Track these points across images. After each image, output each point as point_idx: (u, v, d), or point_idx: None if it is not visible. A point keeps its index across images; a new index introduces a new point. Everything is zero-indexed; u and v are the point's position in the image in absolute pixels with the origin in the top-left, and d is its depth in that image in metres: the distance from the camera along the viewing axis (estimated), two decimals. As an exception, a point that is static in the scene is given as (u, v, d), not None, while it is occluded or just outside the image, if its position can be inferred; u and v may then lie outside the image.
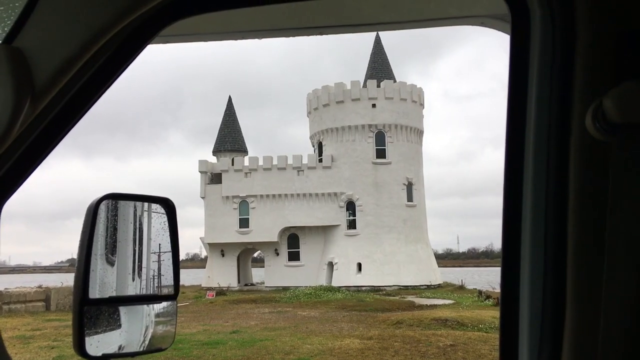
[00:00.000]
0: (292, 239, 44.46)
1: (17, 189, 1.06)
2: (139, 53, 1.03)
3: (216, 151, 49.24)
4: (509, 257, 0.89)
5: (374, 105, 43.06)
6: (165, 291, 1.40)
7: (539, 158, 0.86)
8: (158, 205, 1.39)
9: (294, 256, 44.26)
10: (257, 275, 50.84)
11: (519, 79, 0.89)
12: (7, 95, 0.90)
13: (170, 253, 1.39)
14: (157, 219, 1.39)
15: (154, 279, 1.42)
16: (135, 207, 1.37)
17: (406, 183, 43.24)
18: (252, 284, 47.55)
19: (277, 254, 44.45)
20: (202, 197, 45.68)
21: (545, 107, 0.85)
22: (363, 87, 43.74)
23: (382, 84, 43.51)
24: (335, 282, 40.00)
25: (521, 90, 0.89)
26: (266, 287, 43.63)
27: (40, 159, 1.05)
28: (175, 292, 1.38)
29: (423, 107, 46.16)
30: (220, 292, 37.46)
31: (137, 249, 1.37)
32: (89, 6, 0.93)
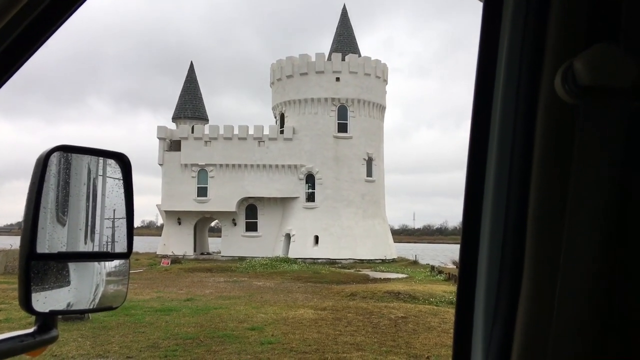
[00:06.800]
0: (251, 210, 44.34)
1: None
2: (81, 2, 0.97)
3: (176, 117, 48.26)
4: (470, 219, 0.88)
5: (337, 79, 42.90)
6: (117, 249, 1.36)
7: (506, 118, 0.85)
8: (112, 161, 1.34)
9: (251, 227, 44.21)
10: (213, 244, 50.60)
11: (490, 38, 0.88)
12: None
13: (125, 210, 1.35)
14: (111, 174, 1.34)
15: (105, 236, 1.38)
16: (88, 161, 1.32)
17: (366, 158, 43.54)
18: (208, 253, 47.35)
19: (235, 224, 44.30)
20: (160, 164, 44.85)
21: (515, 68, 0.84)
22: (327, 60, 43.45)
23: (346, 57, 43.30)
24: (291, 254, 40.26)
25: (491, 50, 0.87)
26: (222, 256, 43.53)
27: None
28: (128, 251, 1.34)
29: (386, 83, 46.30)
30: (176, 260, 37.16)
31: (89, 204, 1.32)
32: None
